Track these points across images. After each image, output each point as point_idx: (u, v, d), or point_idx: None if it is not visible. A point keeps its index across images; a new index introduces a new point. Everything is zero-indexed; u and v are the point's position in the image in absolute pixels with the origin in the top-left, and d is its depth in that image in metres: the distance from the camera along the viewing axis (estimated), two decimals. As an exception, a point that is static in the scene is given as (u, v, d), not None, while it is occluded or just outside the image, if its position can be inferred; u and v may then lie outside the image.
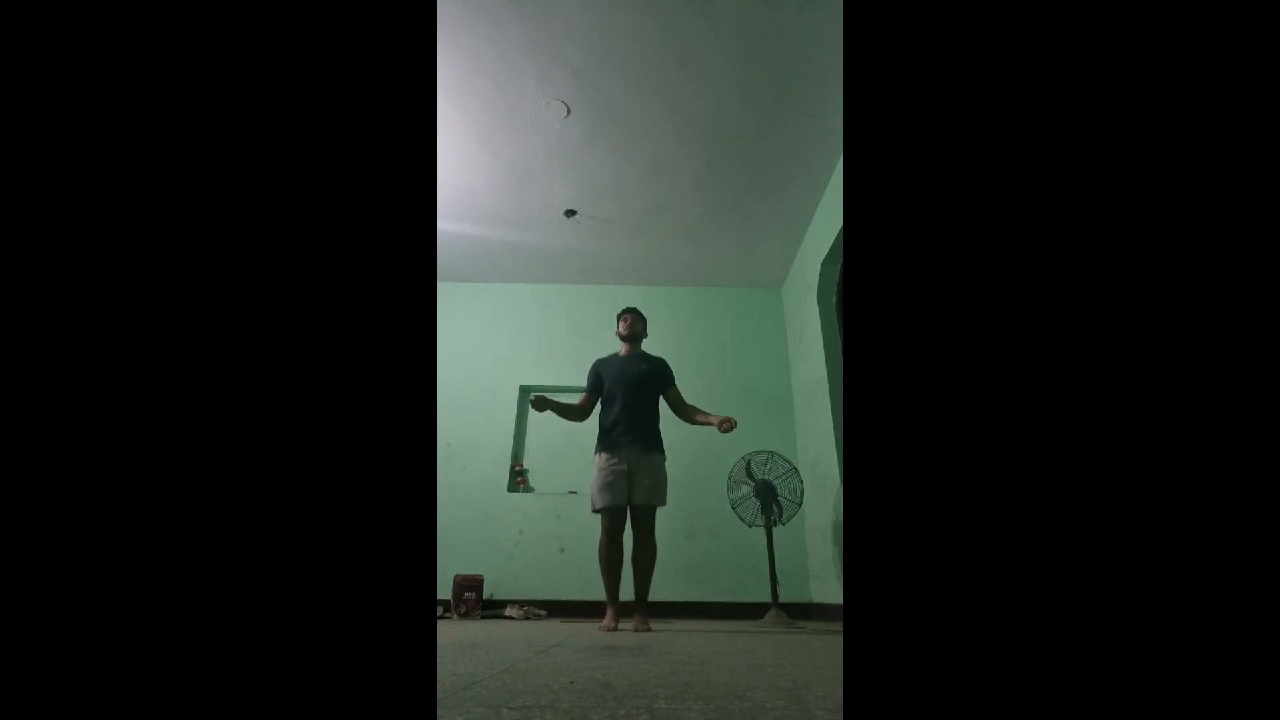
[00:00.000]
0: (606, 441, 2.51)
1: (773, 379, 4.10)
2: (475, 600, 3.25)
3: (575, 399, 2.70)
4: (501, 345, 4.19)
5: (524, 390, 4.10)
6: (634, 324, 2.71)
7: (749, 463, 3.14)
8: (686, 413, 2.64)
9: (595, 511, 2.46)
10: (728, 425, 2.42)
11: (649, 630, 2.25)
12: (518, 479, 3.84)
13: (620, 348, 2.73)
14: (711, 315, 4.33)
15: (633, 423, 2.50)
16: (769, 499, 3.03)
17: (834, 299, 3.43)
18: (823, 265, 3.40)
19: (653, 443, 2.52)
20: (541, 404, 2.42)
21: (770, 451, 3.19)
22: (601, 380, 2.65)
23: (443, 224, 3.68)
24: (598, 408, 2.68)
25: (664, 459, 2.54)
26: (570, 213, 3.58)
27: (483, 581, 3.33)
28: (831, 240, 3.22)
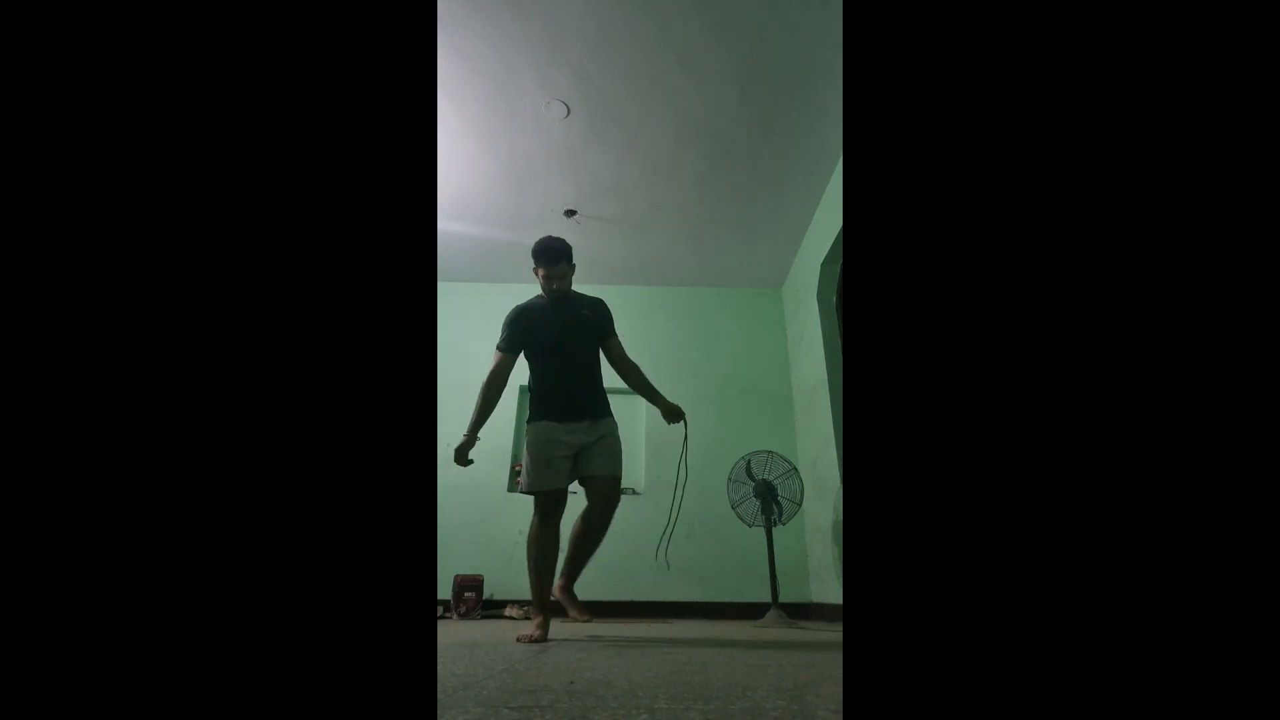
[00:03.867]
0: (544, 408, 1.93)
1: (773, 379, 4.10)
2: (475, 600, 3.25)
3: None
4: (501, 345, 4.19)
5: (524, 390, 4.10)
6: (564, 281, 1.97)
7: (749, 463, 3.14)
8: (633, 376, 2.06)
9: (525, 493, 1.91)
10: (674, 419, 1.98)
11: (589, 619, 1.86)
12: (517, 479, 3.84)
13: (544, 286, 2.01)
14: (711, 315, 4.33)
15: (575, 385, 1.95)
16: (769, 499, 3.03)
17: (834, 299, 3.43)
18: (823, 265, 3.40)
19: (602, 407, 1.98)
20: (462, 455, 1.89)
21: (770, 451, 3.19)
22: (524, 335, 2.00)
23: (443, 224, 3.68)
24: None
25: (615, 424, 2.00)
26: (570, 213, 3.58)
27: (483, 581, 3.33)
28: (831, 240, 3.22)
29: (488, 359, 3.78)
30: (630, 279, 4.35)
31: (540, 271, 1.96)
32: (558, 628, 2.17)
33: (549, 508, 1.88)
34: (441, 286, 4.36)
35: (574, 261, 2.01)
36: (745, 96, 2.69)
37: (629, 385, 2.08)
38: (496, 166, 3.20)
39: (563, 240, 1.97)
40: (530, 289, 4.39)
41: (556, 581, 1.87)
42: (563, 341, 1.97)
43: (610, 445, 1.94)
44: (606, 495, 1.91)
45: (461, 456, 1.90)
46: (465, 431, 1.92)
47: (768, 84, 2.62)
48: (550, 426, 1.91)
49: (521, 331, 2.00)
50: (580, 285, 4.33)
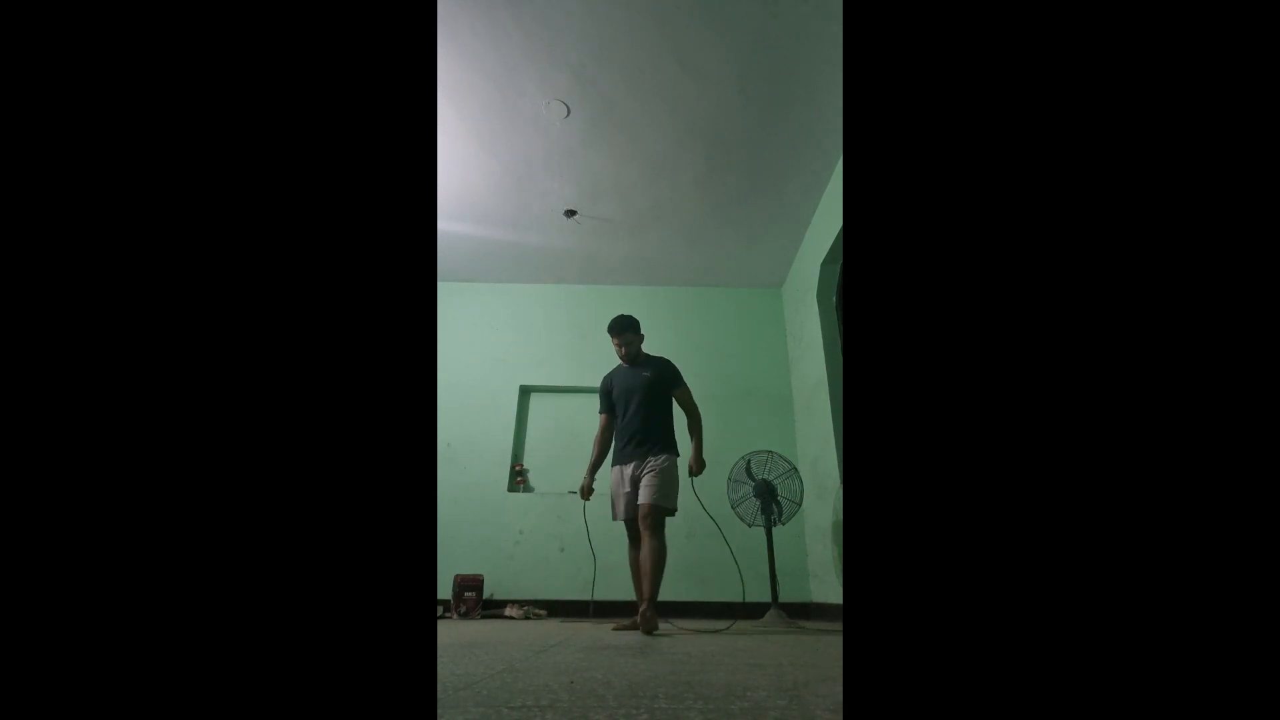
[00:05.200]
0: (617, 454, 2.53)
1: (773, 379, 4.10)
2: (475, 600, 3.24)
3: (577, 403, 2.63)
4: (501, 345, 4.19)
5: (524, 390, 4.10)
6: (630, 346, 2.57)
7: (749, 463, 3.15)
8: (691, 419, 2.59)
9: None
10: (693, 473, 2.49)
11: (652, 629, 2.15)
12: (517, 479, 3.84)
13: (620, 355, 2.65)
14: (711, 315, 4.33)
15: (638, 433, 2.48)
16: (769, 499, 3.03)
17: (834, 299, 3.43)
18: (823, 265, 3.40)
19: (662, 445, 2.46)
20: (585, 492, 2.57)
21: (770, 451, 3.19)
22: (609, 397, 2.64)
23: (443, 224, 3.68)
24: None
25: (675, 458, 2.45)
26: (570, 213, 3.58)
27: (483, 581, 3.33)
28: (831, 240, 3.22)
29: (487, 360, 3.89)
30: (630, 279, 4.35)
31: (615, 341, 2.57)
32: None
33: (629, 532, 2.48)
34: (441, 286, 4.36)
35: (641, 333, 2.63)
36: (745, 96, 2.69)
37: (689, 428, 2.58)
38: (496, 166, 3.20)
39: (630, 317, 2.61)
40: (530, 289, 4.43)
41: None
42: (630, 398, 2.54)
43: (657, 474, 2.38)
44: (649, 525, 2.34)
45: (585, 493, 2.57)
46: (585, 475, 2.60)
47: (768, 84, 2.62)
48: (618, 469, 2.50)
49: (606, 395, 2.65)
50: (580, 285, 4.36)
